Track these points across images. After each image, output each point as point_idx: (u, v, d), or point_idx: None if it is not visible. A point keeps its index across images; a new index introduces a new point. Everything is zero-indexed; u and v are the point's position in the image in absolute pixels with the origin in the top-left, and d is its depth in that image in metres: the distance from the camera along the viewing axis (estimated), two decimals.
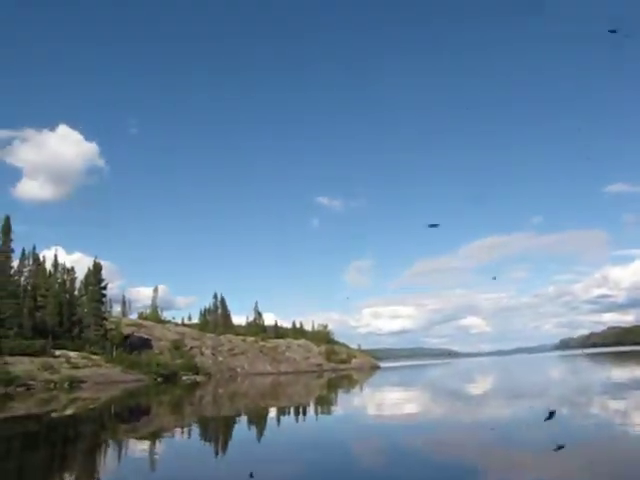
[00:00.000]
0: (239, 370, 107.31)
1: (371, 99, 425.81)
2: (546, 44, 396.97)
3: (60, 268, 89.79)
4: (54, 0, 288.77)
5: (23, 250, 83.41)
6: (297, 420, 21.42)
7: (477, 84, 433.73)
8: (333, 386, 52.72)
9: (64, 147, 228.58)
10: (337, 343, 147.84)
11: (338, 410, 26.09)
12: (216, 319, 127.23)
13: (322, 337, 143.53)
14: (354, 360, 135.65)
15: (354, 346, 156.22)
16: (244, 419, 22.88)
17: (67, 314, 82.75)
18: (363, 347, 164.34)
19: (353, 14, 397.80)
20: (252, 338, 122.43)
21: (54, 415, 29.32)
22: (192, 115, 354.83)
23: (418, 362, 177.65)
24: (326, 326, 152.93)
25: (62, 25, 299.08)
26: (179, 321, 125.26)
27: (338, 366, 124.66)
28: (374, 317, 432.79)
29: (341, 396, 38.08)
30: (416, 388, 41.42)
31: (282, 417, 22.99)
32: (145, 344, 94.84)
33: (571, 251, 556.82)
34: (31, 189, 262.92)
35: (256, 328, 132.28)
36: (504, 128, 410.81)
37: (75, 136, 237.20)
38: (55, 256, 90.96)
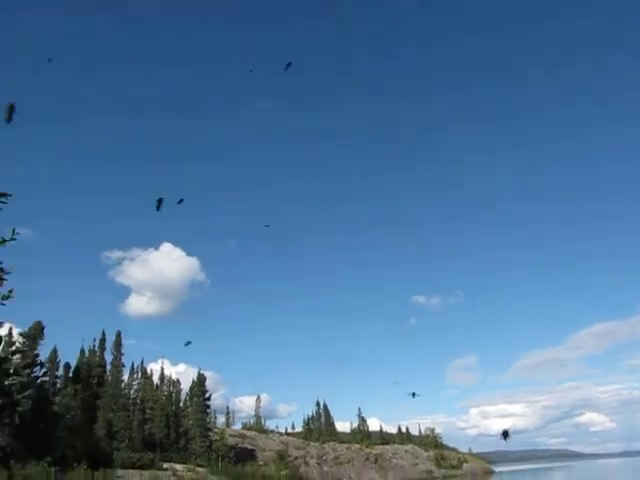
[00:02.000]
0: None
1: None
2: None
3: (166, 380, 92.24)
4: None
5: (132, 364, 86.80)
6: None
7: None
8: None
9: (168, 263, 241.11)
10: (446, 447, 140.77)
11: None
12: (319, 427, 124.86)
13: (430, 441, 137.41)
14: (465, 465, 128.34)
15: (464, 449, 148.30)
16: None
17: (173, 426, 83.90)
18: (473, 450, 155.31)
19: None
20: (357, 445, 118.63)
21: None
22: (284, 229, 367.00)
23: (535, 465, 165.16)
24: (433, 429, 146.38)
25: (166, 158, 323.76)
26: (282, 430, 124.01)
27: (449, 472, 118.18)
28: (482, 417, 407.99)
29: None
30: None
31: None
32: (250, 455, 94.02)
33: None
34: (138, 305, 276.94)
35: (360, 434, 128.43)
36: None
37: (177, 252, 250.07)
38: (162, 368, 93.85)
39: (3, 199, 3.57)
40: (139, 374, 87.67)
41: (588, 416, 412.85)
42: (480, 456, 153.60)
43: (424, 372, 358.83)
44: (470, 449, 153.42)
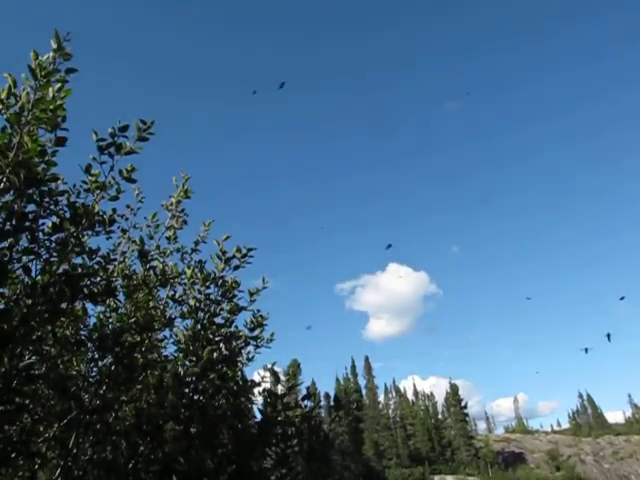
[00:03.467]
0: (633, 478, 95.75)
1: None
2: None
3: (420, 395, 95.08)
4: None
5: (385, 385, 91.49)
6: None
7: None
8: None
9: (397, 283, 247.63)
10: None
11: None
12: (587, 420, 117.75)
13: None
14: None
15: None
16: None
17: (436, 438, 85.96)
18: None
19: None
20: (637, 437, 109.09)
21: None
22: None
23: None
24: None
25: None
26: (547, 429, 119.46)
27: None
28: None
29: None
30: None
31: None
32: (518, 458, 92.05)
33: None
34: (378, 327, 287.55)
35: (638, 424, 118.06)
36: None
37: (404, 270, 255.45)
38: (413, 384, 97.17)
39: (251, 253, 5.20)
40: (393, 393, 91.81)
41: None
42: None
43: None
44: None
